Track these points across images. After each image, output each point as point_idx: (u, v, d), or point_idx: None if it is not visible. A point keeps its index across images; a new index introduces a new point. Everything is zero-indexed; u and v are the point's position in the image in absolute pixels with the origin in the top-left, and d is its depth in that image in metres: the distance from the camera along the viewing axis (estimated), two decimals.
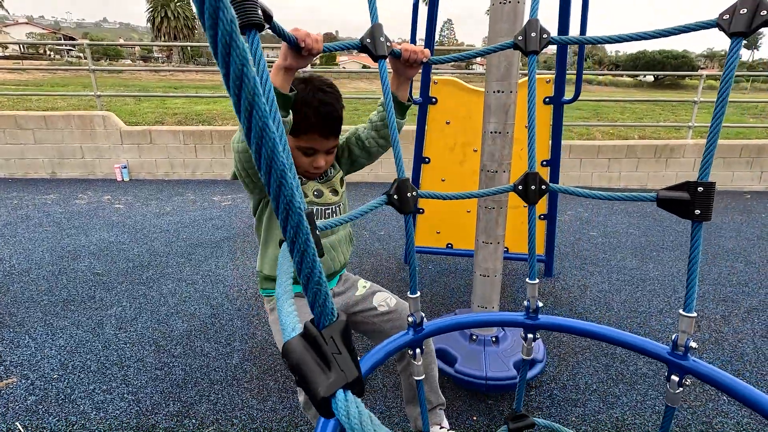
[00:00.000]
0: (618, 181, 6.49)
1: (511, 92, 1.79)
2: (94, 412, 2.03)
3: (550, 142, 2.93)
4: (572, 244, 4.21)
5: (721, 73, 0.83)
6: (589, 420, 2.02)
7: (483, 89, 2.89)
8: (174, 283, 3.28)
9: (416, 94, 2.93)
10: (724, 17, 0.82)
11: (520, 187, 1.04)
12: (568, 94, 2.80)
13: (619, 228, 4.69)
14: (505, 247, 3.20)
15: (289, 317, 0.43)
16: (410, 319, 1.07)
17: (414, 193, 0.98)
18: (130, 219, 4.69)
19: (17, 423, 1.96)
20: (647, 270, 3.64)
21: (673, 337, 0.96)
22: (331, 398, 0.35)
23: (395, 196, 0.95)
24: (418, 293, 1.06)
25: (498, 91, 1.79)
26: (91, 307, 2.94)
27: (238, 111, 0.32)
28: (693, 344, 0.94)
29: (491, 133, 1.86)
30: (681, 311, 0.94)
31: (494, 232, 2.00)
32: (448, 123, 3.01)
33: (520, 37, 0.97)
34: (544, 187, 1.04)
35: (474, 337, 2.21)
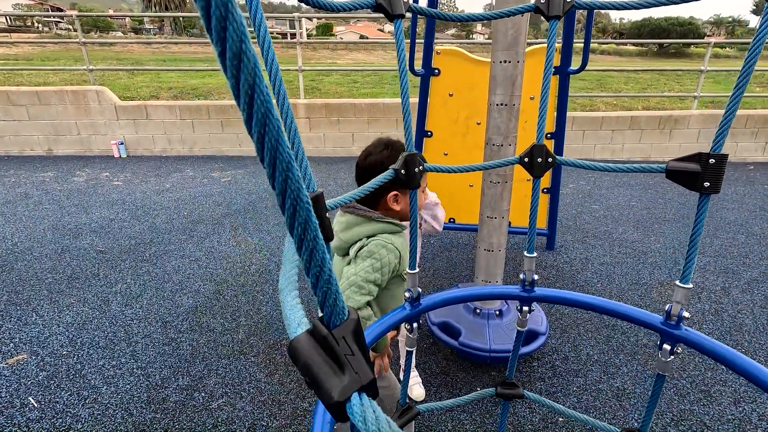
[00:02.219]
0: (621, 153, 6.43)
1: (518, 62, 1.74)
2: (105, 387, 2.07)
3: (555, 113, 2.87)
4: (574, 217, 4.21)
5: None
6: (590, 390, 2.07)
7: (488, 59, 2.81)
8: (177, 260, 3.29)
9: (418, 65, 2.85)
10: None
11: (525, 160, 1.02)
12: (574, 63, 2.73)
13: (621, 201, 4.68)
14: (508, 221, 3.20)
15: (294, 311, 0.39)
16: (407, 294, 1.06)
17: (421, 167, 0.95)
18: (129, 196, 4.66)
19: (30, 398, 2.00)
20: (649, 243, 3.65)
21: (667, 307, 0.97)
22: (346, 402, 0.33)
23: (402, 171, 0.93)
24: (417, 269, 1.06)
25: (505, 61, 1.74)
26: (96, 284, 2.96)
27: (236, 96, 0.28)
28: (686, 314, 0.94)
29: (497, 105, 1.81)
30: (678, 282, 0.94)
31: (499, 207, 1.99)
32: (451, 95, 2.94)
33: (542, 0, 0.92)
34: (550, 159, 1.01)
35: (478, 311, 2.23)
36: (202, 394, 2.03)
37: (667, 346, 0.96)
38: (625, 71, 11.29)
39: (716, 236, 3.77)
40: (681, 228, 3.95)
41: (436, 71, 2.85)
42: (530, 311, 1.15)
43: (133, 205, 4.41)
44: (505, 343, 2.04)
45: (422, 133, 3.09)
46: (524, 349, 2.07)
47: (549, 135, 2.94)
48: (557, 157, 0.99)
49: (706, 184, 0.86)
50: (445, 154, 3.17)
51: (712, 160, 0.84)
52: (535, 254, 1.10)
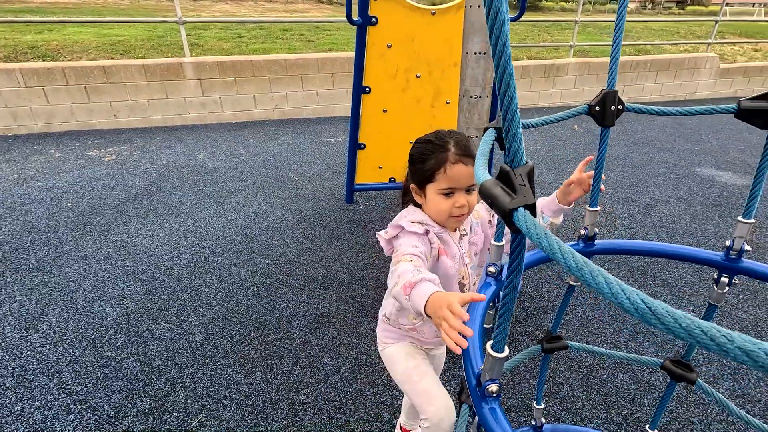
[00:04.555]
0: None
1: None
2: None
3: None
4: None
5: None
6: (624, 339, 2.25)
7: (427, 8, 2.68)
8: (79, 263, 2.68)
9: (355, 15, 2.59)
10: None
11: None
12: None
13: (528, 145, 5.07)
14: None
15: (483, 170, 0.56)
16: (582, 231, 1.03)
17: (620, 107, 0.93)
18: None
19: None
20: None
21: (728, 243, 1.03)
22: (513, 212, 0.46)
23: (597, 108, 0.90)
24: (598, 207, 1.01)
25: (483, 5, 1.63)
26: None
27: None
28: (747, 247, 1.02)
29: (475, 54, 1.72)
30: (740, 218, 0.99)
31: None
32: (389, 46, 2.76)
33: None
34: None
35: None
36: (174, 414, 1.73)
37: (724, 279, 1.02)
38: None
39: (611, 170, 4.33)
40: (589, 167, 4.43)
41: (374, 20, 2.63)
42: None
43: None
44: None
45: (360, 90, 2.88)
46: None
47: None
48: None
49: None
50: (385, 111, 3.02)
51: None
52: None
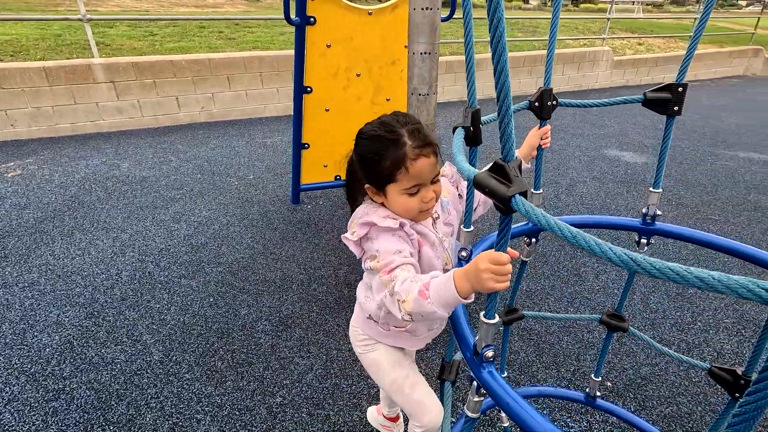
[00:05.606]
0: (443, 95, 7.24)
1: (438, 9, 1.76)
2: None
3: None
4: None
5: None
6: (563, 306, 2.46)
7: (364, 7, 2.74)
8: None
9: (292, 14, 2.58)
10: None
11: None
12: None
13: (440, 132, 5.35)
14: None
15: (466, 164, 0.69)
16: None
17: (556, 102, 1.07)
18: None
19: None
20: None
21: (644, 210, 1.24)
22: (512, 198, 0.55)
23: (536, 104, 1.05)
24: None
25: (426, 8, 1.74)
26: None
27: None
28: (659, 212, 1.24)
29: (421, 54, 1.82)
30: (651, 189, 1.20)
31: None
32: (328, 46, 2.78)
33: None
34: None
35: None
36: None
37: (644, 240, 1.23)
38: None
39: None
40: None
41: (312, 20, 2.63)
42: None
43: None
44: None
45: (302, 90, 2.88)
46: None
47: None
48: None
49: (675, 108, 1.08)
50: (327, 110, 3.04)
51: (680, 89, 1.07)
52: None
